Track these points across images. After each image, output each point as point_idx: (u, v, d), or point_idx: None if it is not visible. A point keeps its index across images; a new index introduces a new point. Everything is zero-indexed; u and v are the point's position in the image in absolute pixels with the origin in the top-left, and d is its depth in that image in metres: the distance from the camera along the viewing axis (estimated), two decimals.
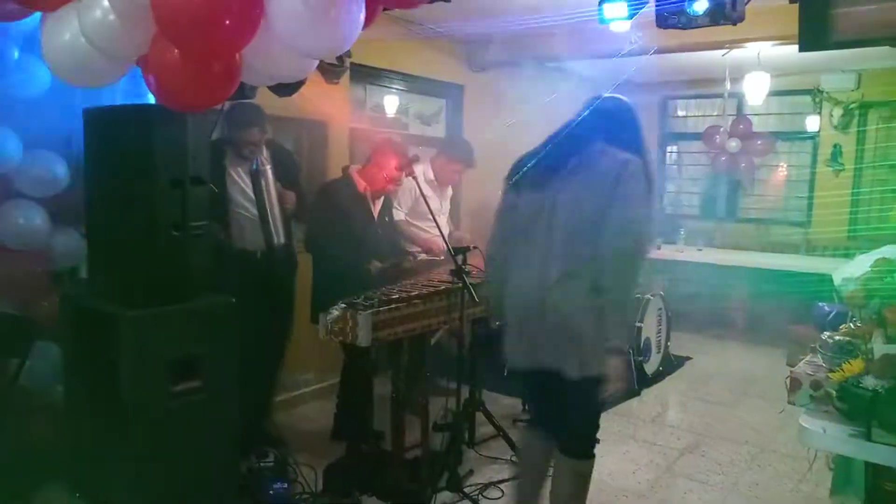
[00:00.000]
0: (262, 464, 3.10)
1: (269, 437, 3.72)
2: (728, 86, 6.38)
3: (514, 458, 3.75)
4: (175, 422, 2.68)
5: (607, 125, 2.54)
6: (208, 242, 2.80)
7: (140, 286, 2.67)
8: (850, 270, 2.44)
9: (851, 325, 2.39)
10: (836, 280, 2.57)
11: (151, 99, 2.61)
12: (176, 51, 2.21)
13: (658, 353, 5.52)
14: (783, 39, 4.15)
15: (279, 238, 3.69)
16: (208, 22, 2.05)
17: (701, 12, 2.58)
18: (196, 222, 2.71)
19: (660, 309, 5.53)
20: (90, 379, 2.81)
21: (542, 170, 2.56)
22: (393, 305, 2.93)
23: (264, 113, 3.58)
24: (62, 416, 3.00)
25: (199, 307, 2.76)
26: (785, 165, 7.62)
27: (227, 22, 2.07)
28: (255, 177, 3.62)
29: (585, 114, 2.59)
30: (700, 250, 7.12)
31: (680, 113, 8.49)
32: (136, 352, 2.60)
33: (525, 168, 2.61)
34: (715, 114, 7.82)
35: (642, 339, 5.16)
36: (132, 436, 2.62)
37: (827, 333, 2.42)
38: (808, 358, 2.48)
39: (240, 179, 3.61)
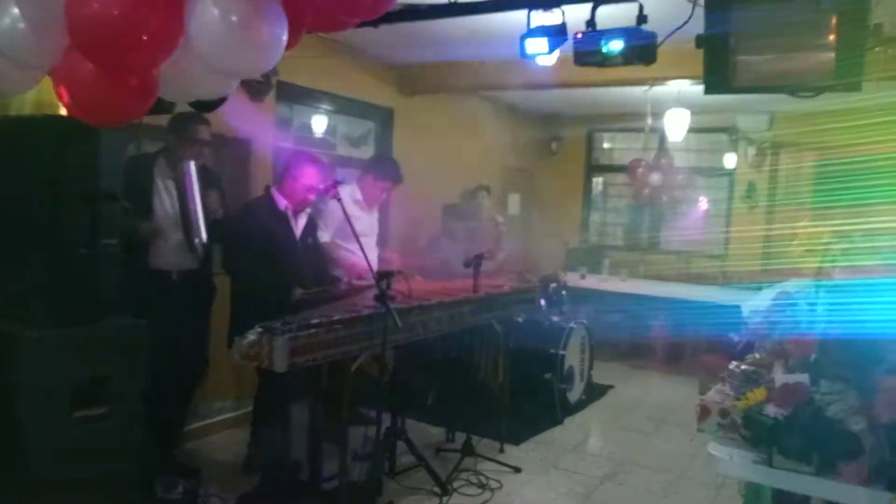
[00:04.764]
0: (169, 495, 2.97)
1: (178, 467, 3.57)
2: (650, 121, 6.62)
3: (435, 489, 3.72)
4: (77, 449, 2.54)
5: None
6: (119, 261, 2.69)
7: (44, 306, 2.55)
8: (757, 303, 2.54)
9: (757, 355, 2.48)
10: (745, 312, 2.67)
11: (63, 110, 2.51)
12: (90, 63, 2.14)
13: (581, 381, 5.61)
14: (698, 79, 4.34)
15: (201, 242, 3.49)
16: (124, 37, 1.98)
17: (616, 52, 2.69)
18: (107, 240, 2.61)
19: (583, 337, 5.62)
20: None
21: None
22: (312, 330, 2.87)
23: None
24: None
25: (107, 329, 2.65)
26: (705, 199, 7.93)
27: (145, 37, 2.01)
28: (179, 177, 3.48)
29: None
30: (624, 280, 7.31)
31: (605, 145, 8.75)
32: (38, 374, 2.47)
33: None
34: (638, 147, 8.10)
35: (566, 367, 5.23)
36: (30, 464, 2.48)
37: (735, 363, 2.50)
38: (717, 387, 2.55)
39: (166, 192, 3.51)
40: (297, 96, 5.07)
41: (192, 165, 3.50)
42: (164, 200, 3.51)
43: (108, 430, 2.63)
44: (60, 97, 2.35)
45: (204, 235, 3.47)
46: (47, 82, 2.42)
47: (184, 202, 3.48)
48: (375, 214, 4.74)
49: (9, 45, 2.20)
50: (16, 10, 2.14)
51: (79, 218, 2.55)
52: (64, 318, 2.55)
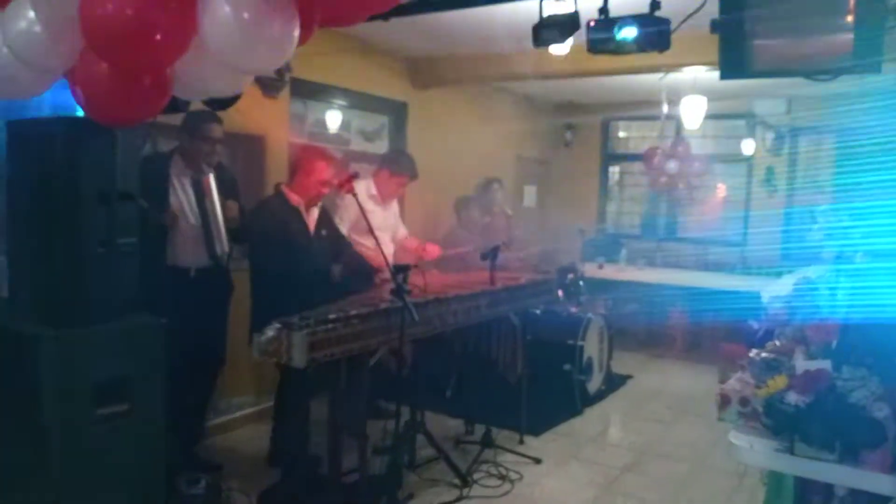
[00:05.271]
0: (192, 490, 3.00)
1: (200, 462, 3.61)
2: (665, 108, 6.56)
3: (456, 482, 3.73)
4: (100, 447, 2.57)
5: None
6: (136, 259, 2.72)
7: (64, 305, 2.57)
8: (777, 289, 2.50)
9: (777, 342, 2.45)
10: (764, 298, 2.64)
11: (80, 111, 2.54)
12: (105, 64, 2.15)
13: (600, 371, 5.58)
14: (715, 65, 4.30)
15: (223, 251, 3.62)
16: (138, 36, 1.99)
17: (629, 39, 2.66)
18: (124, 239, 2.63)
19: (602, 327, 5.60)
20: (8, 403, 2.68)
21: None
22: (330, 325, 2.87)
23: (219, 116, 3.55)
24: None
25: (127, 327, 2.67)
26: (723, 187, 7.86)
27: (158, 37, 2.02)
28: (198, 187, 3.55)
29: None
30: (641, 269, 7.27)
31: (621, 134, 8.69)
32: (59, 374, 2.49)
33: None
34: (654, 135, 8.04)
35: (585, 357, 5.21)
36: (53, 462, 2.50)
37: (755, 351, 2.47)
38: (737, 375, 2.53)
39: (182, 191, 3.54)
40: (311, 92, 5.07)
41: (213, 178, 3.55)
42: (182, 199, 3.53)
43: (129, 428, 2.65)
44: (76, 98, 2.38)
45: (226, 246, 3.63)
46: None
47: (205, 215, 3.55)
48: (392, 210, 4.74)
49: (25, 48, 2.22)
50: (31, 14, 2.16)
51: (96, 217, 2.56)
52: (83, 316, 2.57)
